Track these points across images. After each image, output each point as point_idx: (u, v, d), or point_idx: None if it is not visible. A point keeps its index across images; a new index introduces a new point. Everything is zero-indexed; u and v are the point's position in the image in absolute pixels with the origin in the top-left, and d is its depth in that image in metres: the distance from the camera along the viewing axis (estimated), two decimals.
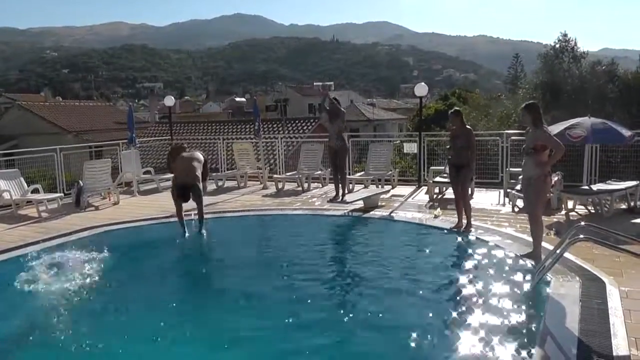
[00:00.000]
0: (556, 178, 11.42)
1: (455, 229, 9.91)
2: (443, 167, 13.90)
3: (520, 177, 11.88)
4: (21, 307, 6.95)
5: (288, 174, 16.39)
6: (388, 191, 13.96)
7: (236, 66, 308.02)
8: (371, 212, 11.78)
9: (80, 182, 13.64)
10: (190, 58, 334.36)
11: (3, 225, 11.60)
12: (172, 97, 21.91)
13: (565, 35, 25.39)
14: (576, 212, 10.99)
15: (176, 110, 62.35)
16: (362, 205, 12.23)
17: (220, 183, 16.64)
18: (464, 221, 9.95)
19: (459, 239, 9.52)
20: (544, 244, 7.91)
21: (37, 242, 9.86)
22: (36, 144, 15.75)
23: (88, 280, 7.56)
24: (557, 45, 25.03)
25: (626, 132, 10.39)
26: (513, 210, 11.40)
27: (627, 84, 20.91)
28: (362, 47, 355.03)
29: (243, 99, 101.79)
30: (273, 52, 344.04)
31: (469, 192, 12.92)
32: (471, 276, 7.48)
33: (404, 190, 14.73)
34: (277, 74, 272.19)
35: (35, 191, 13.38)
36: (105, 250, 8.72)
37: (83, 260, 8.32)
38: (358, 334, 5.85)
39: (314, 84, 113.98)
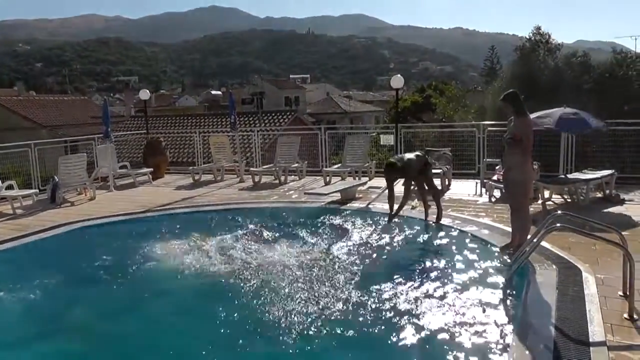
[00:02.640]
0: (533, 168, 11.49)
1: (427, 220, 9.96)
2: None
3: (497, 167, 12.02)
4: None
5: (265, 167, 16.31)
6: (365, 183, 13.95)
7: (212, 59, 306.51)
8: (348, 204, 11.77)
9: (56, 177, 13.45)
10: (165, 51, 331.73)
11: None
12: (148, 91, 21.72)
13: (539, 28, 25.60)
14: (552, 201, 11.07)
15: (152, 104, 61.92)
16: (339, 197, 12.21)
17: (196, 177, 16.51)
18: (431, 211, 9.98)
19: (436, 229, 9.54)
20: None
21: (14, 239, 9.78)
22: (10, 139, 15.47)
23: None
24: (532, 38, 25.23)
25: (594, 122, 10.48)
26: (490, 201, 11.46)
27: (601, 75, 21.13)
28: (339, 40, 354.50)
29: (219, 92, 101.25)
30: (249, 44, 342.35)
31: (447, 182, 13.05)
32: (449, 266, 7.52)
33: (381, 182, 14.71)
34: (253, 66, 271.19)
35: (10, 187, 13.18)
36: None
37: None
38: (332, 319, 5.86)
39: (290, 76, 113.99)
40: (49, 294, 7.14)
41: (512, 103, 7.68)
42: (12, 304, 6.93)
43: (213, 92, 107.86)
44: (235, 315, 6.27)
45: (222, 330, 5.96)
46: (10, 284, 7.49)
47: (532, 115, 10.28)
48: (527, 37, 25.70)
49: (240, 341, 5.58)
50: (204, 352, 5.45)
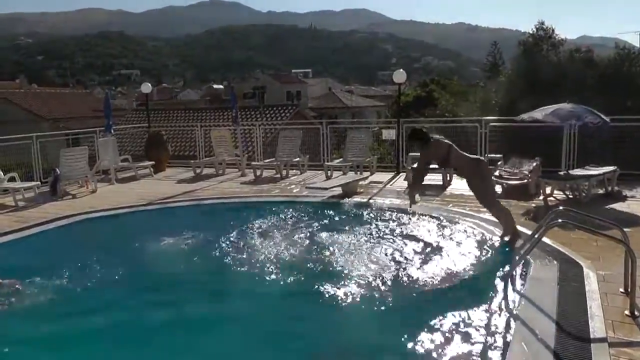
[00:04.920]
0: (535, 164, 11.50)
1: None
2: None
3: (499, 163, 12.05)
4: None
5: (266, 161, 16.30)
6: (366, 177, 13.95)
7: (213, 53, 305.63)
8: (349, 199, 11.76)
9: (57, 169, 13.45)
10: (167, 46, 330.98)
11: None
12: (149, 85, 21.67)
13: (542, 23, 25.54)
14: (554, 197, 11.04)
15: (153, 98, 61.87)
16: (341, 191, 12.20)
17: (198, 170, 16.51)
18: None
19: (436, 223, 9.51)
20: (523, 229, 8.01)
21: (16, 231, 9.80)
22: (12, 132, 15.46)
23: None
24: (535, 33, 25.18)
25: (590, 117, 10.42)
26: None
27: (604, 71, 21.09)
28: (340, 35, 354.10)
29: (221, 87, 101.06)
30: (250, 39, 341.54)
31: (448, 178, 13.02)
32: (449, 261, 7.49)
33: (382, 176, 14.74)
34: (255, 61, 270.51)
35: (12, 179, 13.19)
36: None
37: None
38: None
39: (292, 71, 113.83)
40: (50, 286, 7.12)
41: (417, 139, 8.48)
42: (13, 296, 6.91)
43: (215, 86, 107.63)
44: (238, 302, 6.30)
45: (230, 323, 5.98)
46: (12, 276, 7.47)
47: (536, 110, 10.48)
48: (530, 32, 25.65)
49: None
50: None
